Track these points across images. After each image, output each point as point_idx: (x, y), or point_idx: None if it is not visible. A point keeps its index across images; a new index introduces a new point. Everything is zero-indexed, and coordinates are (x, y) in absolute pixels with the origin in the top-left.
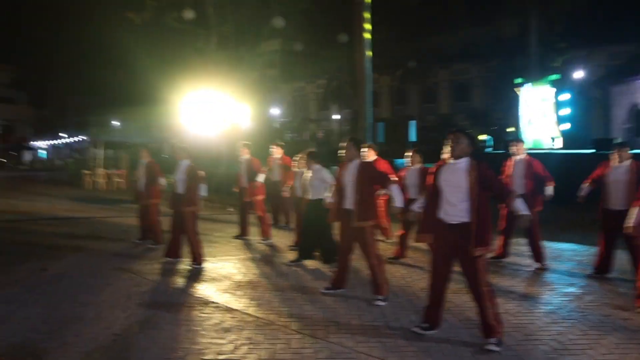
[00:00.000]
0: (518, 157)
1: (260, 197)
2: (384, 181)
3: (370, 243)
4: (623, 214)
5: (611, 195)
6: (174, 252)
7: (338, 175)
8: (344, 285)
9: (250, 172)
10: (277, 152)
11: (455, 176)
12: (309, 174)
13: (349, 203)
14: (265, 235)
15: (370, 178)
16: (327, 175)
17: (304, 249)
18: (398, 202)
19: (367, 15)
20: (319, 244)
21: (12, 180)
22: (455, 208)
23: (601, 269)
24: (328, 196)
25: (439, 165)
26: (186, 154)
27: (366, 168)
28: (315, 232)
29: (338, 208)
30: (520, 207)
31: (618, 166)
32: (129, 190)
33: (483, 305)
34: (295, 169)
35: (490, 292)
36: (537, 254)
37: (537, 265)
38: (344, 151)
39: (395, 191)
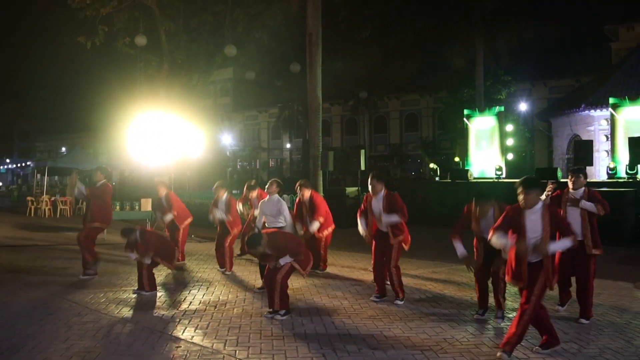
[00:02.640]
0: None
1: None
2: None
3: (398, 256)
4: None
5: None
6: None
7: (368, 203)
8: (385, 292)
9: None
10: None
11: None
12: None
13: (384, 226)
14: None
15: (393, 209)
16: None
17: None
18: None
19: (319, 45)
20: None
21: None
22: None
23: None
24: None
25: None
26: (223, 190)
27: (391, 200)
28: None
29: (374, 230)
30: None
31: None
32: (74, 217)
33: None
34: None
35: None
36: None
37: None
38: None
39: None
